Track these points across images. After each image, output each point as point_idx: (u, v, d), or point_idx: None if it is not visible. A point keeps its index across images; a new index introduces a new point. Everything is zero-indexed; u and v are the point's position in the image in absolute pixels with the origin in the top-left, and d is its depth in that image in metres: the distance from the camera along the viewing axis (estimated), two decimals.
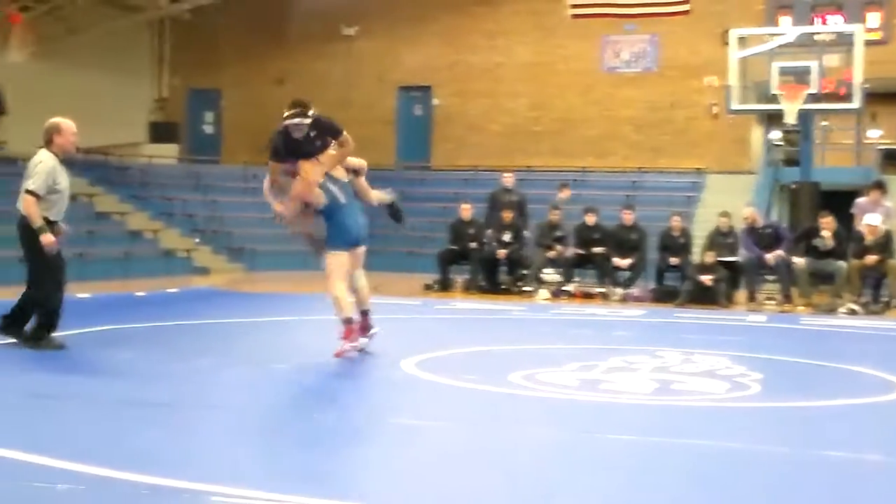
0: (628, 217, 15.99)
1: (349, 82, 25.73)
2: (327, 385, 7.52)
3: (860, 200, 15.22)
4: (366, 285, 8.78)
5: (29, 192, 8.21)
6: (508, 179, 17.09)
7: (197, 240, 20.60)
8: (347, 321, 8.36)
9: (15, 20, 20.07)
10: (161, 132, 26.42)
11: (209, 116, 27.55)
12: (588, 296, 15.57)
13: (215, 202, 22.24)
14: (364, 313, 8.75)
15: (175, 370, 7.70)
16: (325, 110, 27.30)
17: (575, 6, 22.59)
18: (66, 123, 8.50)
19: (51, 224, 8.31)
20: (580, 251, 15.87)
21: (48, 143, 8.40)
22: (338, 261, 8.41)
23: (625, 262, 15.55)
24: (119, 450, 5.04)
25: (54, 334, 8.41)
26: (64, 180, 8.48)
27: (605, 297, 15.39)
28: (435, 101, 25.57)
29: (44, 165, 8.28)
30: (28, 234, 8.28)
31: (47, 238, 8.17)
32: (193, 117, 27.53)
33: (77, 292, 13.83)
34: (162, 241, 19.89)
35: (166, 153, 25.21)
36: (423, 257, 19.16)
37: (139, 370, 7.69)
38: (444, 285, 16.37)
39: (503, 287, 16.12)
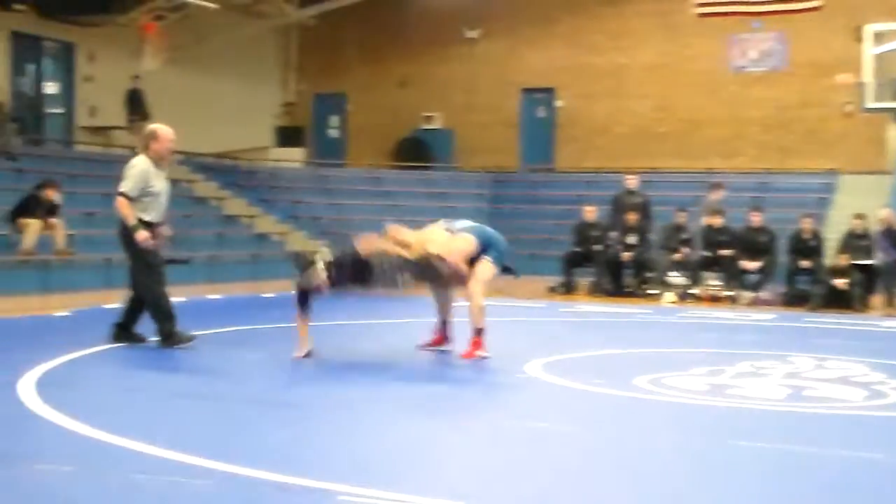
0: (757, 219, 15.63)
1: (472, 85, 25.78)
2: (452, 387, 7.53)
3: None
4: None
5: (120, 193, 8.50)
6: (632, 181, 16.89)
7: (323, 242, 20.90)
8: (480, 331, 8.53)
9: (149, 29, 20.67)
10: (287, 136, 26.90)
11: (334, 120, 27.92)
12: (715, 299, 15.28)
13: (341, 205, 22.54)
14: (445, 324, 8.96)
15: (303, 370, 7.81)
16: (449, 113, 27.39)
17: (701, 5, 22.16)
18: (164, 130, 8.77)
19: (148, 225, 8.54)
20: (707, 254, 15.58)
21: (145, 149, 8.68)
22: (492, 271, 8.56)
23: (754, 265, 15.21)
24: (249, 448, 5.13)
25: (179, 328, 8.65)
26: (159, 183, 8.69)
27: (733, 300, 15.07)
28: (558, 103, 25.42)
29: (136, 169, 8.55)
30: (126, 236, 8.54)
31: (141, 234, 8.41)
32: (319, 121, 27.96)
33: (208, 294, 14.21)
34: (289, 243, 20.25)
35: (292, 157, 25.68)
36: (547, 259, 19.06)
37: (269, 370, 7.84)
38: (569, 288, 16.25)
39: (628, 290, 15.93)
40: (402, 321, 11.94)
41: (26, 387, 6.57)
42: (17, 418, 5.74)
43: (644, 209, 16.43)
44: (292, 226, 21.25)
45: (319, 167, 25.32)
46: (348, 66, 27.08)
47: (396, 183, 23.97)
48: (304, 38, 27.41)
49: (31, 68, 21.51)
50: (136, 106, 20.86)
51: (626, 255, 15.86)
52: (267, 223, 20.85)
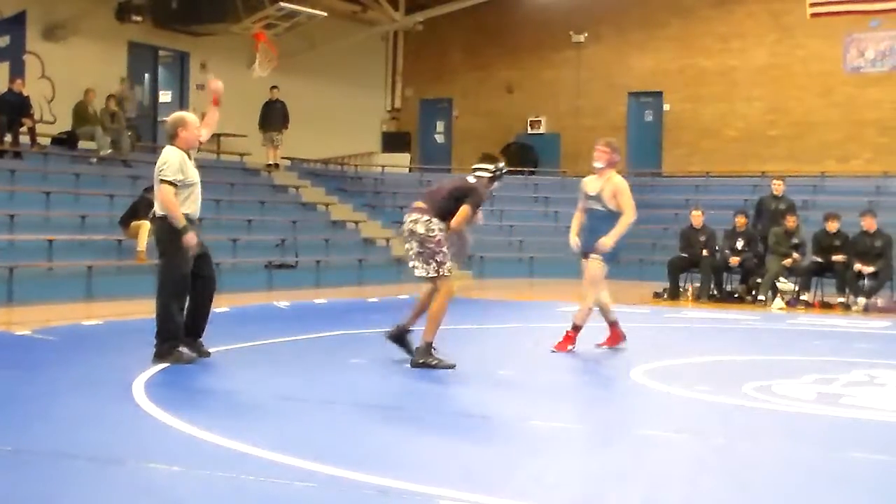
0: (871, 223, 15.17)
1: (579, 89, 25.66)
2: (557, 393, 7.47)
3: None
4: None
5: (164, 181, 7.81)
6: (778, 187, 16.43)
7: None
8: (578, 328, 9.05)
9: (260, 37, 21.04)
10: (393, 142, 27.14)
11: (440, 125, 28.07)
12: (827, 306, 14.90)
13: None
14: (614, 324, 9.45)
15: (407, 374, 7.84)
16: (555, 118, 27.23)
17: (814, 4, 21.65)
18: (191, 117, 8.28)
19: (188, 220, 7.94)
20: (818, 259, 15.19)
21: (172, 138, 8.08)
22: (600, 269, 9.04)
23: (868, 270, 14.78)
24: (352, 451, 5.17)
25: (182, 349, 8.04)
26: (194, 174, 8.09)
27: (845, 307, 14.68)
28: (666, 107, 25.13)
29: (172, 158, 7.92)
30: (165, 234, 7.92)
31: (190, 238, 7.80)
32: (425, 127, 28.12)
33: (314, 298, 14.40)
34: (394, 248, 20.40)
35: (398, 162, 25.89)
36: (652, 265, 18.85)
37: (373, 374, 7.88)
38: (674, 293, 16.03)
39: (735, 296, 15.64)
40: (509, 326, 11.92)
41: (139, 388, 6.73)
42: (129, 418, 5.88)
43: (789, 214, 16.11)
44: (397, 231, 21.39)
45: (425, 172, 25.45)
46: (454, 71, 27.21)
47: (502, 188, 23.92)
48: (411, 44, 27.63)
49: (146, 77, 22.14)
50: (274, 118, 21.04)
51: (735, 260, 15.58)
52: (373, 228, 21.06)
